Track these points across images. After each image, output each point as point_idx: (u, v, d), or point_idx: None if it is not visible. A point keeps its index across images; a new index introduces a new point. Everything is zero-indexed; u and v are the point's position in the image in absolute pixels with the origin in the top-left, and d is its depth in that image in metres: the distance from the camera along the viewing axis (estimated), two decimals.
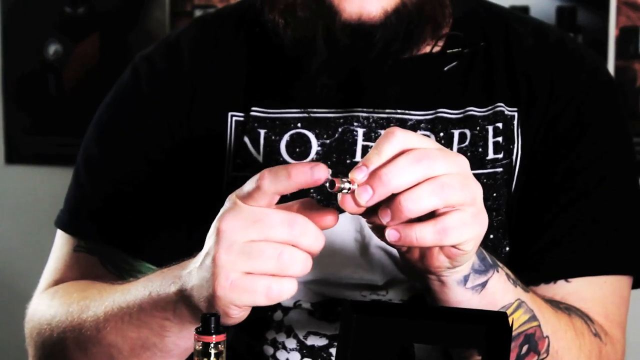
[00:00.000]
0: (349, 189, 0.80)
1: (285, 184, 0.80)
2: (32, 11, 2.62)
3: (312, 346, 1.09)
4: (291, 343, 1.10)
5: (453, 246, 0.83)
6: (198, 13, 2.47)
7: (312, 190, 1.07)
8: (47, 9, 2.61)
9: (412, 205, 0.79)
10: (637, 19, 2.18)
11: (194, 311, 0.87)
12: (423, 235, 0.81)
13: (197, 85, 1.12)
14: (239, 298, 0.82)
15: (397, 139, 0.81)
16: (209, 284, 0.83)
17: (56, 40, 2.60)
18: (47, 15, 2.60)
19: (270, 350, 1.10)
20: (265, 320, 1.10)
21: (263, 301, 0.82)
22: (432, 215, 0.82)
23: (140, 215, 1.11)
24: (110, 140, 1.15)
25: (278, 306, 1.10)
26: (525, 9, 2.18)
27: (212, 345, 0.81)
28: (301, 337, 1.09)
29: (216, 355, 0.81)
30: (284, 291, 0.82)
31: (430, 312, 0.87)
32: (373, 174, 0.80)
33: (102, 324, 0.98)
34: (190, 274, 0.87)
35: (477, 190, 0.83)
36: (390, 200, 0.80)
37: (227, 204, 0.83)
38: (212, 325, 0.80)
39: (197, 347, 0.81)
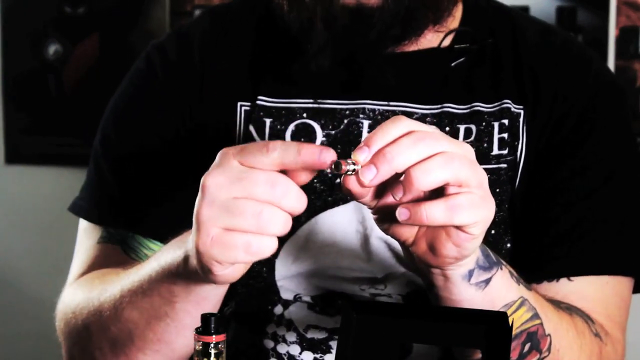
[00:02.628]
0: (354, 170, 0.79)
1: (293, 160, 0.79)
2: (32, 11, 2.62)
3: (312, 339, 1.10)
4: (291, 336, 1.10)
5: (461, 229, 0.82)
6: (198, 13, 2.47)
7: (315, 180, 1.07)
8: (47, 9, 2.61)
9: (423, 177, 0.79)
10: (637, 19, 2.18)
11: (194, 272, 0.87)
12: (433, 212, 0.80)
13: (206, 76, 1.13)
14: (220, 253, 0.81)
15: (403, 123, 0.81)
16: (192, 239, 0.83)
17: (56, 40, 2.60)
18: (47, 15, 2.60)
19: (270, 344, 1.11)
20: (265, 314, 1.11)
21: (243, 257, 0.81)
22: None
23: (157, 199, 1.13)
24: (126, 122, 1.16)
25: (278, 300, 1.11)
26: (525, 9, 2.18)
27: (212, 345, 0.81)
28: (301, 331, 1.10)
29: (216, 355, 0.81)
30: (264, 248, 0.81)
31: (430, 312, 0.87)
32: (376, 153, 0.79)
33: (118, 301, 0.99)
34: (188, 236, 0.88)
35: (484, 175, 0.83)
36: (398, 180, 0.80)
37: (218, 159, 0.82)
38: (212, 325, 0.81)
39: (197, 347, 0.81)
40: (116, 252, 1.13)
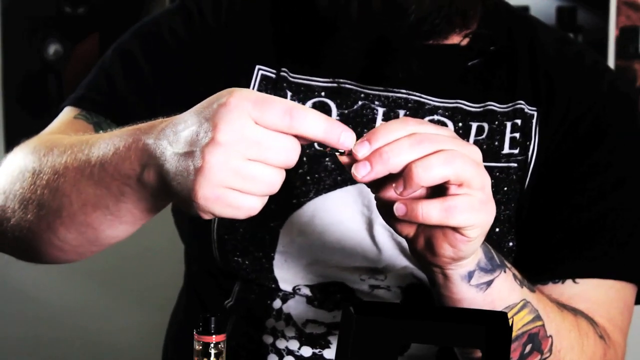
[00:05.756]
0: (344, 150, 0.80)
1: (311, 133, 0.78)
2: (32, 11, 2.62)
3: (311, 334, 1.11)
4: (290, 331, 1.11)
5: (457, 231, 0.83)
6: None
7: (327, 159, 1.09)
8: (47, 9, 2.60)
9: (424, 173, 0.79)
10: (637, 19, 2.18)
11: (166, 191, 0.82)
12: (429, 211, 0.81)
13: (230, 35, 1.14)
14: (220, 210, 0.78)
15: (409, 125, 0.81)
16: (189, 187, 0.78)
17: (56, 40, 2.60)
18: (47, 15, 2.60)
19: (269, 339, 1.12)
20: (264, 309, 1.12)
21: (242, 217, 0.79)
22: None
23: (145, 108, 1.11)
24: (150, 45, 1.16)
25: (276, 294, 1.11)
26: (525, 9, 2.18)
27: (212, 345, 0.81)
28: (300, 326, 1.11)
29: (216, 355, 0.81)
30: (262, 206, 0.80)
31: (430, 312, 0.87)
32: (374, 151, 0.80)
33: (61, 171, 0.93)
34: (165, 152, 0.81)
35: (487, 179, 0.83)
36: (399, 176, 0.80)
37: (228, 109, 0.77)
38: (212, 326, 0.81)
39: (197, 347, 0.81)
40: (88, 130, 1.11)
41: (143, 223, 0.93)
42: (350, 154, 0.80)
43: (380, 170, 0.79)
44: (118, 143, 0.87)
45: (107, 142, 0.89)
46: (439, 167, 0.79)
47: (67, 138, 0.99)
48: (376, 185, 0.83)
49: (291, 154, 0.78)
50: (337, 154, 0.81)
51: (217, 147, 0.76)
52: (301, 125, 0.77)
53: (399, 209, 0.81)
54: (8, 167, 1.02)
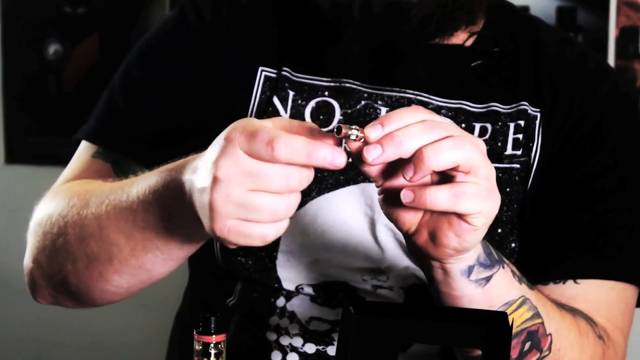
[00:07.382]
0: (357, 136, 0.79)
1: (302, 162, 0.78)
2: (32, 11, 2.62)
3: (315, 331, 1.11)
4: (294, 329, 1.11)
5: (463, 218, 0.83)
6: None
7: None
8: (47, 9, 2.61)
9: (435, 157, 0.79)
10: (637, 19, 2.18)
11: (202, 226, 0.85)
12: (437, 197, 0.81)
13: (231, 38, 1.15)
14: (236, 240, 0.81)
15: (420, 112, 0.82)
16: (207, 222, 0.81)
17: (56, 40, 2.61)
18: (47, 15, 2.61)
19: (273, 336, 1.12)
20: (268, 307, 1.12)
21: (258, 244, 0.81)
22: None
23: (159, 137, 1.13)
24: (152, 63, 1.17)
25: (280, 293, 1.11)
26: (525, 9, 2.18)
27: (212, 345, 0.81)
28: (304, 323, 1.11)
29: (216, 355, 0.81)
30: (279, 232, 0.81)
31: (430, 312, 0.87)
32: (386, 134, 0.80)
33: (104, 222, 0.97)
34: (193, 187, 0.84)
35: (492, 169, 0.84)
36: (405, 162, 0.80)
37: (223, 145, 0.79)
38: (212, 325, 0.81)
39: (197, 347, 0.81)
40: (107, 169, 1.13)
41: (192, 253, 0.97)
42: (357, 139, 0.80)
43: (391, 154, 0.79)
44: (155, 186, 0.91)
45: (144, 186, 0.93)
46: (450, 152, 0.80)
47: (98, 187, 1.03)
48: (379, 174, 0.83)
49: (290, 180, 0.78)
50: (349, 139, 0.80)
51: (218, 183, 0.79)
52: (282, 155, 0.77)
53: (406, 195, 0.81)
54: (45, 222, 1.06)
